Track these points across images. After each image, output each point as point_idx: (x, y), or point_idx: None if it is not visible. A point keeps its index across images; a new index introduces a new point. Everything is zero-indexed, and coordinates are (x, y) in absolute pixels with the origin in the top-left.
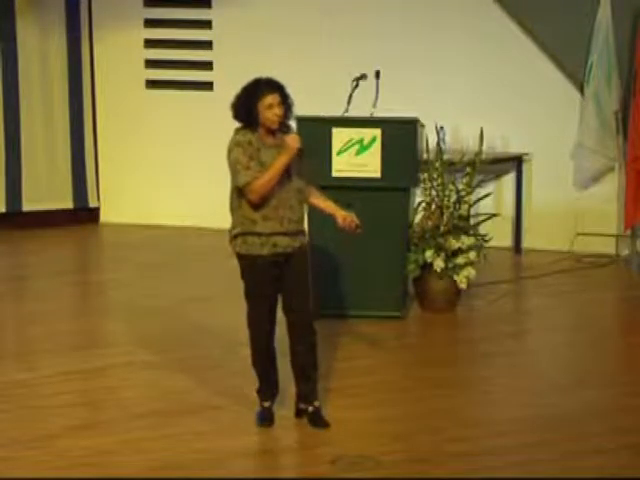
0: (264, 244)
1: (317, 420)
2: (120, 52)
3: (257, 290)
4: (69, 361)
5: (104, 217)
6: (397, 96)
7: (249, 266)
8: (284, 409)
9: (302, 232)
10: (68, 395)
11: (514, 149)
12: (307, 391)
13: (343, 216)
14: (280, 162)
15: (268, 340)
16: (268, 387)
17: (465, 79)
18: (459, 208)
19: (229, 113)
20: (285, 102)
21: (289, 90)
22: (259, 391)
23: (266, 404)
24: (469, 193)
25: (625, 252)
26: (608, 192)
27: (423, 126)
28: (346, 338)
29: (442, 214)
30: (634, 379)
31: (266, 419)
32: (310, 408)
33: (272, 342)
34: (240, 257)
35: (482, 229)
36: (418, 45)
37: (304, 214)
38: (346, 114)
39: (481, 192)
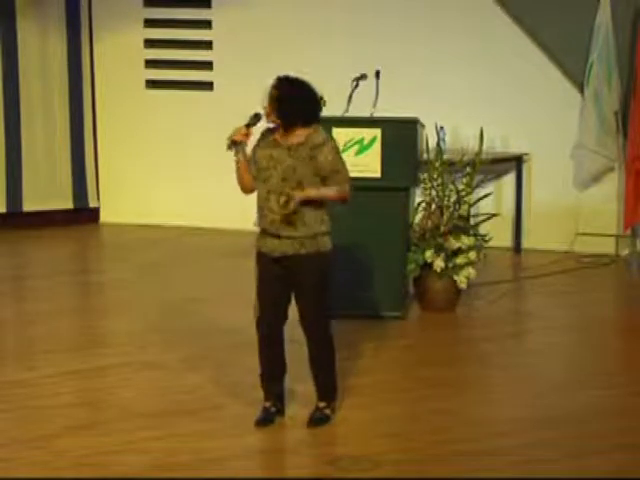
0: (260, 240)
1: (309, 417)
2: (120, 52)
3: (257, 282)
4: (69, 361)
5: (104, 217)
6: (397, 96)
7: (255, 258)
8: (285, 409)
9: (304, 237)
10: (68, 395)
11: (514, 149)
12: (315, 388)
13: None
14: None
15: (266, 330)
16: (266, 379)
17: (465, 79)
18: (459, 208)
19: (229, 113)
20: (276, 98)
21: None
22: (261, 383)
23: (266, 404)
24: (469, 193)
25: (625, 252)
26: (608, 192)
27: (423, 126)
28: (346, 338)
29: (442, 214)
30: (634, 379)
31: (261, 419)
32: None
33: (271, 332)
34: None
35: (482, 229)
36: (418, 45)
37: (304, 216)
38: (346, 114)
39: (481, 192)
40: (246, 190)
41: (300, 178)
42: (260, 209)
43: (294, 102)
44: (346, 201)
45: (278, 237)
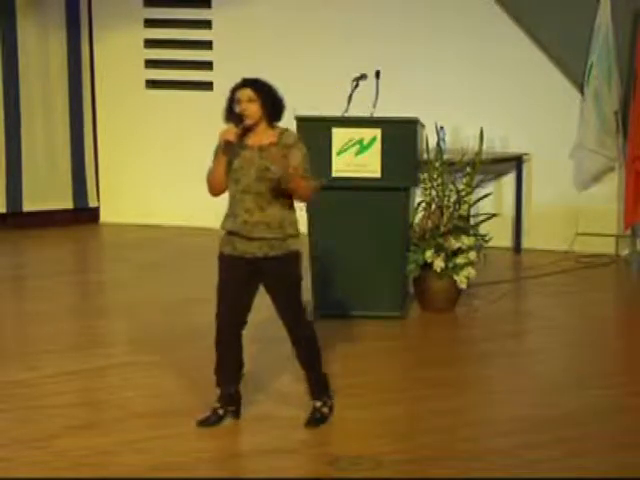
0: (226, 242)
1: (307, 418)
2: (120, 52)
3: (220, 285)
4: (69, 361)
5: (104, 217)
6: (397, 96)
7: (218, 260)
8: (284, 409)
9: (274, 239)
10: (68, 395)
11: (514, 149)
12: (308, 389)
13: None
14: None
15: (225, 333)
16: (221, 380)
17: (465, 79)
18: (459, 208)
19: None
20: (261, 99)
21: (288, 90)
22: (216, 381)
23: (216, 404)
24: (469, 193)
25: (625, 252)
26: (608, 192)
27: (423, 126)
28: (346, 338)
29: (442, 214)
30: (634, 379)
31: (204, 419)
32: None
33: (230, 336)
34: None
35: (482, 229)
36: (418, 45)
37: (282, 219)
38: (346, 114)
39: (481, 192)
40: (219, 190)
41: (273, 177)
42: (232, 210)
43: (277, 98)
44: (308, 199)
45: (248, 239)
